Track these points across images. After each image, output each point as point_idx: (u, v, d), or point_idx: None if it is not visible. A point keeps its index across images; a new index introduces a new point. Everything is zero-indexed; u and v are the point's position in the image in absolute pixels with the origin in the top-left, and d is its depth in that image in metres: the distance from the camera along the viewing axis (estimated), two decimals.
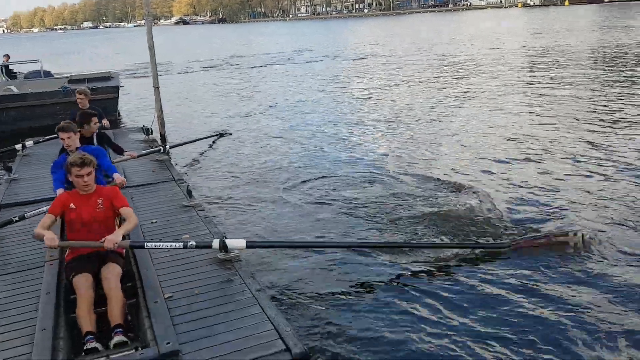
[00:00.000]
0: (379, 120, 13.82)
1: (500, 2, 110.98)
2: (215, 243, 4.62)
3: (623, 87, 16.03)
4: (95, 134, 7.54)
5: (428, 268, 5.65)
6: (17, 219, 5.72)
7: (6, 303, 4.20)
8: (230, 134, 12.66)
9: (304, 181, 9.07)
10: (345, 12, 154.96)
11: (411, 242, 6.32)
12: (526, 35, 39.12)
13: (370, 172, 9.37)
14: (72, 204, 4.29)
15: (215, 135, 12.36)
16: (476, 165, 9.38)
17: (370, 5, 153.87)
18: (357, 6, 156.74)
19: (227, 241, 4.62)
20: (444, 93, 17.25)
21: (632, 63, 20.91)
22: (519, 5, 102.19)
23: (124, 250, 4.48)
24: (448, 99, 16.09)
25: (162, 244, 4.54)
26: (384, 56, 31.72)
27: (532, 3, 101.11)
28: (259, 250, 5.91)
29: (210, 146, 11.80)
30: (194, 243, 4.54)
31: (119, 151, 7.68)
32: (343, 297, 5.22)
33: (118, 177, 5.56)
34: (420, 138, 11.69)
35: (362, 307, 5.00)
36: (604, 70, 19.78)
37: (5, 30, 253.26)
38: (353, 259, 5.99)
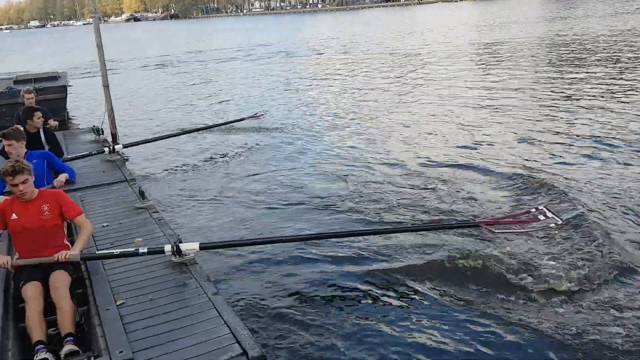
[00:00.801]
0: (336, 114, 13.93)
1: None
2: (168, 247, 4.50)
3: (568, 72, 16.81)
4: (42, 130, 7.33)
5: (391, 254, 5.74)
6: None
7: None
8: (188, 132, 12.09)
9: (259, 178, 9.04)
10: (299, 7, 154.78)
11: (376, 228, 6.36)
12: (475, 28, 40.07)
13: (328, 164, 9.55)
14: (13, 214, 4.06)
15: (172, 136, 11.68)
16: (437, 151, 9.64)
17: (324, 0, 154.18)
18: (311, 1, 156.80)
19: (181, 245, 4.51)
20: (397, 86, 17.47)
21: (574, 50, 21.84)
22: None
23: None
24: (402, 92, 16.33)
25: (112, 251, 4.42)
26: (338, 51, 31.82)
27: None
28: (214, 251, 5.85)
29: (164, 146, 11.50)
30: (145, 249, 4.42)
31: (59, 155, 7.51)
32: (300, 294, 5.24)
33: (58, 179, 5.52)
34: (379, 129, 11.87)
35: (320, 303, 5.02)
36: (549, 58, 20.57)
37: None
38: (311, 252, 6.05)
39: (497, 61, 21.53)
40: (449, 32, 39.27)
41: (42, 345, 3.55)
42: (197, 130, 12.05)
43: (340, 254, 5.97)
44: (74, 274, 4.19)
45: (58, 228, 4.23)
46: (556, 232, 5.85)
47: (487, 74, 18.39)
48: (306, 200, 7.77)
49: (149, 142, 11.06)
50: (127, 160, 9.71)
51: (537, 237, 5.88)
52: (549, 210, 5.02)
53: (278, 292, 5.26)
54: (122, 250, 4.47)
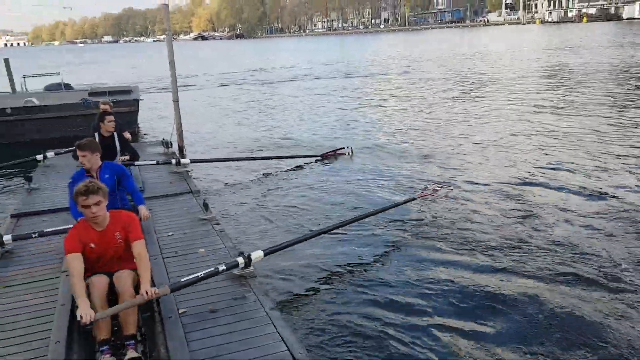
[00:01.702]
0: (396, 134, 13.85)
1: (518, 18, 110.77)
2: (241, 260, 4.63)
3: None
4: (115, 134, 7.67)
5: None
6: (36, 235, 5.74)
7: (22, 314, 4.22)
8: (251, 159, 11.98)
9: (316, 198, 9.06)
10: (361, 27, 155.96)
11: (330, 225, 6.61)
12: (543, 52, 38.94)
13: (388, 185, 9.43)
14: (91, 244, 3.84)
15: (237, 160, 11.74)
16: (503, 172, 9.37)
17: (386, 20, 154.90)
18: (373, 22, 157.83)
19: (252, 255, 4.68)
20: (460, 109, 17.17)
21: None
22: (537, 22, 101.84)
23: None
24: (465, 114, 16.02)
25: (197, 275, 4.33)
26: (400, 72, 31.71)
27: (550, 20, 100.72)
28: (273, 264, 5.98)
29: (228, 164, 11.67)
30: (224, 267, 4.50)
31: (134, 157, 7.91)
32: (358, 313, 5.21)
33: (143, 209, 5.23)
34: (439, 148, 11.69)
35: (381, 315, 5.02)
36: (618, 86, 19.65)
37: (27, 43, 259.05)
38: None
39: (565, 85, 20.84)
40: (516, 54, 38.38)
41: (107, 346, 3.63)
42: (263, 158, 11.91)
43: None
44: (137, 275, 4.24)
45: (128, 251, 4.05)
46: None
47: (555, 98, 17.81)
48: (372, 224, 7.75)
49: (214, 161, 11.30)
50: (192, 173, 9.99)
51: None
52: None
53: (335, 303, 5.31)
54: (204, 272, 4.39)
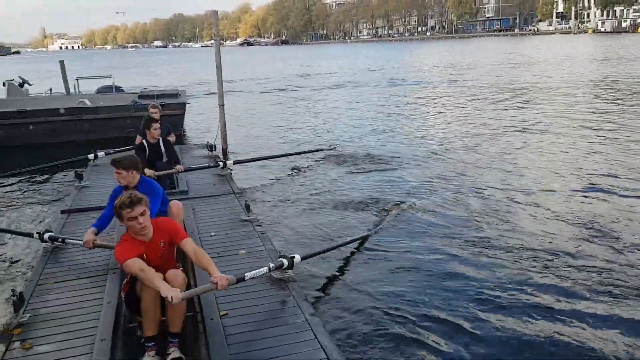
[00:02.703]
0: (437, 143, 13.65)
1: (569, 28, 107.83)
2: (285, 262, 4.68)
3: None
4: (161, 139, 7.89)
5: None
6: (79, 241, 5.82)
7: (69, 310, 4.32)
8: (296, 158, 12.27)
9: (356, 200, 9.05)
10: (407, 35, 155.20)
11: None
12: (595, 63, 37.73)
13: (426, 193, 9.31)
14: (143, 254, 3.84)
15: (279, 156, 11.95)
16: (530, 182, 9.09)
17: (433, 28, 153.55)
18: (419, 29, 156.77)
19: (294, 258, 4.74)
20: (505, 120, 16.77)
21: None
22: (589, 31, 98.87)
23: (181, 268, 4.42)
24: (510, 125, 15.63)
25: (254, 272, 4.36)
26: (445, 80, 31.28)
27: (602, 30, 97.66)
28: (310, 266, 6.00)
29: (270, 165, 11.86)
30: (273, 266, 4.56)
31: (177, 162, 8.13)
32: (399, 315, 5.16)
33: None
34: (479, 159, 11.47)
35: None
36: None
37: (80, 47, 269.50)
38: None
39: (616, 98, 20.11)
40: (567, 64, 37.35)
41: (152, 343, 3.70)
42: (300, 153, 12.36)
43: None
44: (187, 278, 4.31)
45: (172, 255, 4.15)
46: None
47: (606, 110, 17.20)
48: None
49: (256, 160, 11.55)
50: (234, 175, 10.11)
51: None
52: None
53: (375, 307, 5.26)
54: (258, 270, 4.41)
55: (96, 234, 5.22)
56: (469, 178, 10.16)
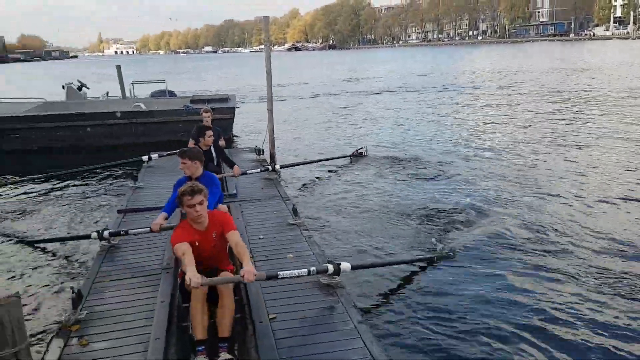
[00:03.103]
0: (486, 151, 13.38)
1: (627, 33, 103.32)
2: (330, 268, 4.64)
3: None
4: (212, 147, 8.06)
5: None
6: (137, 231, 6.04)
7: (124, 308, 4.46)
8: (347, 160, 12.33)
9: (408, 206, 8.97)
10: (457, 39, 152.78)
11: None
12: None
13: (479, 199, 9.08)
14: (196, 242, 4.10)
15: (325, 160, 12.23)
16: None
17: (484, 32, 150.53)
18: (470, 33, 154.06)
19: (341, 265, 4.66)
20: (558, 128, 16.25)
21: None
22: None
23: (234, 267, 4.54)
24: (562, 134, 15.14)
25: (290, 272, 4.42)
26: (496, 86, 30.53)
27: None
28: (361, 272, 5.90)
29: (318, 169, 11.92)
30: (314, 269, 4.54)
31: (231, 165, 8.29)
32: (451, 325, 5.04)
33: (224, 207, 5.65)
34: (527, 168, 11.12)
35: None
36: None
37: (134, 51, 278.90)
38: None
39: None
40: (622, 70, 35.84)
41: (203, 347, 3.77)
42: (345, 157, 12.43)
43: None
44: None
45: (224, 248, 4.33)
46: None
47: None
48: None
49: (303, 164, 11.65)
50: (281, 179, 10.22)
51: None
52: None
53: (425, 321, 5.14)
54: (299, 271, 4.47)
55: (166, 219, 5.37)
56: (528, 190, 9.72)
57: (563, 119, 17.75)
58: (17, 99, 19.32)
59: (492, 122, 18.01)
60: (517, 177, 10.68)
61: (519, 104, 22.26)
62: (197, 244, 4.07)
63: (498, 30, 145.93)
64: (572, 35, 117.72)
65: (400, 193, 9.88)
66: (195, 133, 8.42)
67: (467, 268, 6.38)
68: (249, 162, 10.85)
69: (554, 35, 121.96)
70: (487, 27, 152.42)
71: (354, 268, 4.88)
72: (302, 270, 4.51)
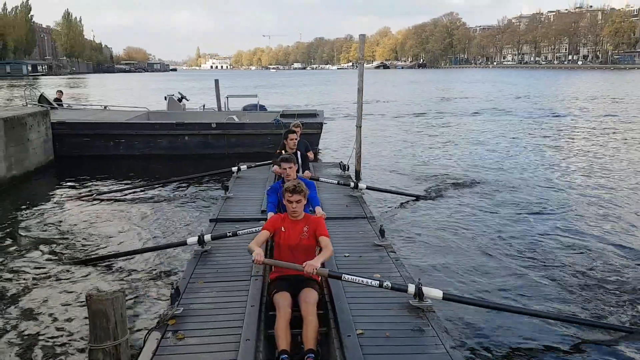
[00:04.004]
0: (604, 187, 12.50)
1: None
2: (411, 288, 4.55)
3: None
4: (299, 153, 8.51)
5: None
6: (230, 234, 6.39)
7: (217, 308, 4.65)
8: (429, 198, 11.45)
9: (514, 241, 8.55)
10: (556, 62, 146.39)
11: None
12: None
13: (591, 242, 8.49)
14: (282, 227, 4.65)
15: (412, 196, 11.43)
16: None
17: (585, 57, 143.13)
18: (569, 57, 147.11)
19: (424, 288, 4.53)
20: None
21: None
22: None
23: (320, 278, 4.63)
24: None
25: (358, 277, 4.50)
26: (606, 114, 28.55)
27: None
28: (452, 304, 5.55)
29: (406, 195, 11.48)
30: (389, 284, 4.48)
31: (305, 167, 8.54)
32: None
33: (319, 210, 5.97)
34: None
35: None
36: None
37: (229, 67, 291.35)
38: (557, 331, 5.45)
39: None
40: None
41: (285, 356, 3.86)
42: (431, 192, 11.81)
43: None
44: (320, 294, 4.50)
45: (312, 248, 4.65)
46: None
47: None
48: (568, 276, 7.07)
49: (389, 192, 11.36)
50: (366, 197, 10.13)
51: None
52: None
53: None
54: (367, 279, 4.53)
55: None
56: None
57: None
58: (123, 107, 20.86)
59: (599, 154, 16.87)
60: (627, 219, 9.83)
61: (625, 135, 20.85)
62: (283, 229, 4.63)
63: (600, 56, 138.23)
64: None
65: (499, 228, 9.31)
66: (282, 138, 8.82)
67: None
68: (333, 176, 10.86)
69: None
70: (588, 52, 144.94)
71: (446, 298, 4.63)
72: (375, 281, 4.50)
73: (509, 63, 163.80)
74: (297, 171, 8.04)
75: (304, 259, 4.34)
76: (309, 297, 4.23)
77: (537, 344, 5.29)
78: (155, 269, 7.42)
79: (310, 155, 10.00)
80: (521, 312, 5.39)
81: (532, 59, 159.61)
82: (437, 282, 6.59)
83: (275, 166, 8.02)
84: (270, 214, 5.64)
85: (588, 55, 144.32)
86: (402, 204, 10.95)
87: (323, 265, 4.59)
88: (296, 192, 4.60)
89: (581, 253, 7.98)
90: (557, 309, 6.04)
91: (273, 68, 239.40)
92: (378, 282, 4.50)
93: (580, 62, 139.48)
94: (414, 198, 11.25)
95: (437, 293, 4.56)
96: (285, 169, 6.11)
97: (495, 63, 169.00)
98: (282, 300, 4.23)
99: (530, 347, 5.25)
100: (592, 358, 5.03)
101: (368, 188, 10.33)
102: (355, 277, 4.49)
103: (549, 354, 5.13)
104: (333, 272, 4.59)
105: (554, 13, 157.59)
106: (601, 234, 8.92)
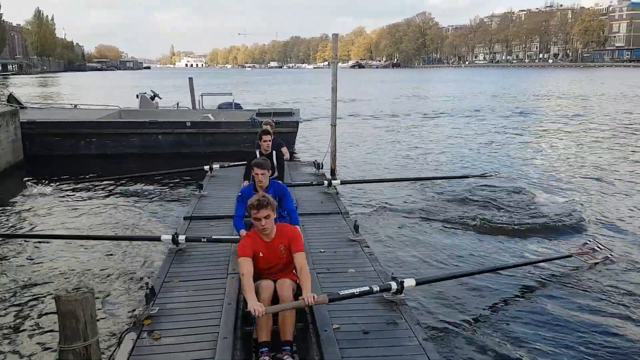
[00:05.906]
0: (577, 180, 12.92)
1: None
2: (394, 285, 4.64)
3: None
4: (274, 153, 8.11)
5: None
6: (204, 240, 6.33)
7: (194, 307, 4.63)
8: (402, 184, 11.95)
9: (472, 222, 9.01)
10: (527, 61, 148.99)
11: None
12: None
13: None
14: (260, 253, 4.21)
15: (384, 181, 11.96)
16: None
17: (556, 55, 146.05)
18: (540, 56, 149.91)
19: (405, 282, 4.68)
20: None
21: None
22: None
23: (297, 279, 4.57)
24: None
25: (351, 290, 4.43)
26: (577, 114, 28.82)
27: None
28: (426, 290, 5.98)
29: (376, 188, 11.74)
30: (377, 287, 4.55)
31: (280, 166, 8.18)
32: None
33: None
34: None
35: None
36: None
37: (204, 64, 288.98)
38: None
39: None
40: None
41: (266, 349, 3.88)
42: (414, 179, 12.15)
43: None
44: (297, 286, 4.46)
45: (290, 263, 4.35)
46: None
47: None
48: None
49: (363, 182, 11.57)
50: (341, 194, 10.20)
51: None
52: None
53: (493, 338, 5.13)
54: (359, 289, 4.48)
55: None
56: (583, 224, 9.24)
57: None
58: (94, 106, 20.55)
59: (568, 152, 17.35)
60: (581, 209, 10.33)
61: (598, 134, 21.33)
62: (261, 254, 4.18)
63: (570, 54, 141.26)
64: None
65: (462, 214, 9.69)
66: (258, 137, 8.66)
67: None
68: (308, 175, 10.90)
69: (630, 61, 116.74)
70: (558, 50, 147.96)
71: (418, 283, 4.91)
72: (365, 287, 4.52)
73: (480, 62, 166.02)
74: (272, 174, 8.01)
75: (284, 275, 4.29)
76: (287, 286, 4.17)
77: (495, 296, 6.18)
78: (128, 262, 7.43)
79: (285, 152, 9.96)
80: (481, 271, 6.43)
81: (503, 57, 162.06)
82: (408, 270, 6.90)
83: None
84: (242, 232, 5.40)
85: (559, 54, 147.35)
86: (375, 195, 11.18)
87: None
88: (262, 206, 4.08)
89: (529, 214, 9.22)
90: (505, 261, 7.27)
91: (249, 66, 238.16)
92: (368, 288, 4.53)
93: (551, 61, 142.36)
94: (388, 184, 11.65)
95: (411, 282, 4.73)
96: (258, 174, 5.54)
97: (467, 62, 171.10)
98: (265, 284, 4.16)
99: (493, 302, 6.08)
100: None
101: (342, 183, 10.44)
102: (351, 292, 4.42)
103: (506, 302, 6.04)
104: (332, 296, 4.34)
105: (525, 12, 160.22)
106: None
